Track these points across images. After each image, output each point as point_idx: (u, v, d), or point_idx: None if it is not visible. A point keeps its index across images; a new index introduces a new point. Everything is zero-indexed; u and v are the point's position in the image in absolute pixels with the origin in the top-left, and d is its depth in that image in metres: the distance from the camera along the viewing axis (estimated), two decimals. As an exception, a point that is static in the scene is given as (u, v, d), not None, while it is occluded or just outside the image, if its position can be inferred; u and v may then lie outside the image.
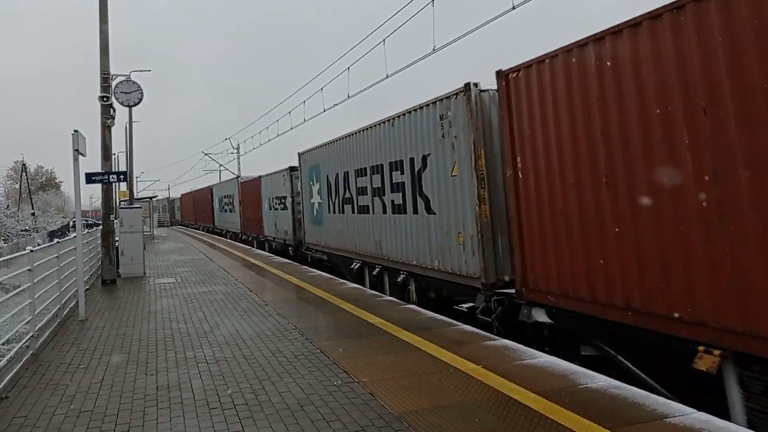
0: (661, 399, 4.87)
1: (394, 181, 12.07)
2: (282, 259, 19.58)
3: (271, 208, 25.30)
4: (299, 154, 19.56)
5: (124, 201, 26.68)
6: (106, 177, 12.56)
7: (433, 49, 14.16)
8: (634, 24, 5.97)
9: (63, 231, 53.62)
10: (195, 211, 52.60)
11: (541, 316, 7.69)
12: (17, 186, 73.09)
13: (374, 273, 13.34)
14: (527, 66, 7.69)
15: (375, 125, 12.94)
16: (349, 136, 14.76)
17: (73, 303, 10.57)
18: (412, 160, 11.18)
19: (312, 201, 18.39)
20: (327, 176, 16.65)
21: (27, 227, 53.82)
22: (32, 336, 7.35)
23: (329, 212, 16.67)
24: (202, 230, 46.86)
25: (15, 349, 7.03)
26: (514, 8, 11.65)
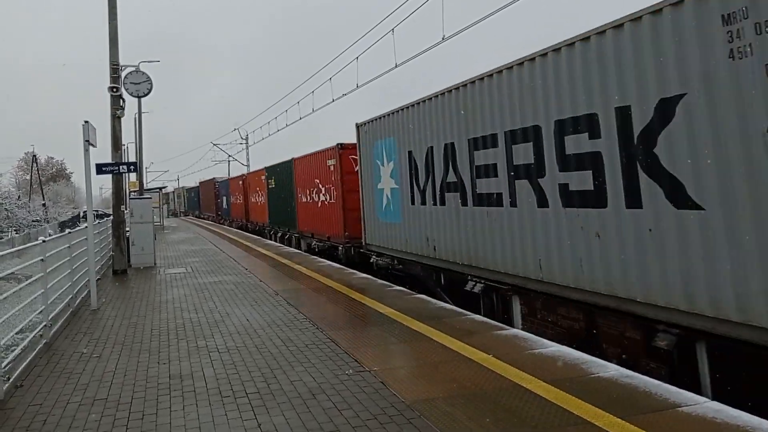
0: (674, 388, 4.84)
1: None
2: (291, 249, 19.64)
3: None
4: None
5: (134, 191, 26.79)
6: (116, 168, 12.65)
7: (443, 38, 14.09)
8: None
9: (74, 221, 54.06)
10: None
11: None
12: (28, 177, 73.64)
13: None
14: None
15: None
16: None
17: (85, 293, 10.66)
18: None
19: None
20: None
21: (38, 218, 54.18)
22: (45, 325, 7.42)
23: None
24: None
25: (29, 339, 7.12)
26: (524, -4, 11.55)
